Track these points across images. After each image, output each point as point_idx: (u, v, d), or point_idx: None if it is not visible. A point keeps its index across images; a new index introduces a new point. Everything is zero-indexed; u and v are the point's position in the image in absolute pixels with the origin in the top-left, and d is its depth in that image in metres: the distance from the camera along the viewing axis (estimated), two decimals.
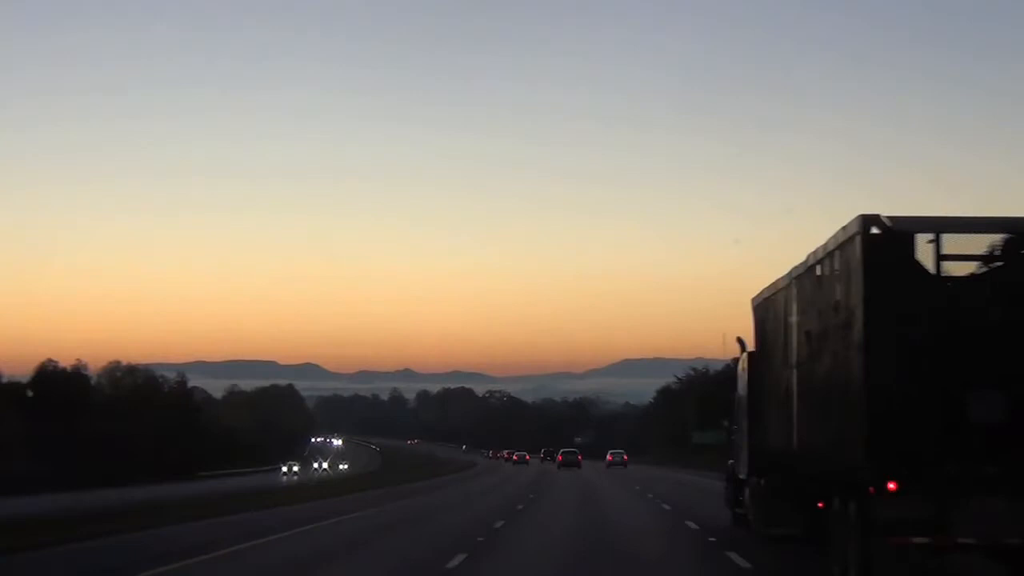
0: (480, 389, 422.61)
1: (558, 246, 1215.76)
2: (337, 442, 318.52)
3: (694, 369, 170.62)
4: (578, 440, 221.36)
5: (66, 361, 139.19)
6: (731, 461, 38.20)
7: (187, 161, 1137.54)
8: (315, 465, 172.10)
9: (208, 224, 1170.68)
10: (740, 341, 36.40)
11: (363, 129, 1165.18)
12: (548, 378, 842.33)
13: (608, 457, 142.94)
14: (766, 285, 32.04)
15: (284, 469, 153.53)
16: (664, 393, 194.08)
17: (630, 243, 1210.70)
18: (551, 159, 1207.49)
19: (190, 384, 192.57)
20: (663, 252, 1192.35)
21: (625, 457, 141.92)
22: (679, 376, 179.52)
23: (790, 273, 28.60)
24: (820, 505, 25.45)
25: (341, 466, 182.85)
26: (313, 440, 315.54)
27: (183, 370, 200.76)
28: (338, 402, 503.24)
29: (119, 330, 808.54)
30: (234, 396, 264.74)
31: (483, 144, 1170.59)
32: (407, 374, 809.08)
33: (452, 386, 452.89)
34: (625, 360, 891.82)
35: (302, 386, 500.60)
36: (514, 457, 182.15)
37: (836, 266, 22.87)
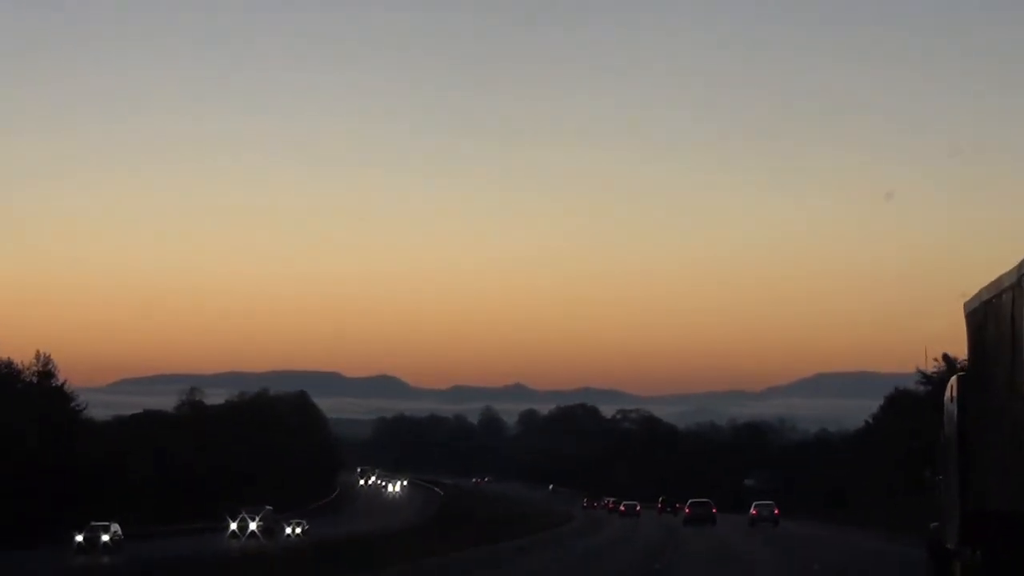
0: (610, 410, 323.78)
1: (720, 228, 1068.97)
2: (388, 485, 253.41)
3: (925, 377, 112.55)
4: (749, 483, 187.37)
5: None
6: (934, 524, 30.19)
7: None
8: (287, 526, 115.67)
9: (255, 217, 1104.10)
10: (948, 359, 28.60)
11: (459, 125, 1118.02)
12: (711, 398, 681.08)
13: (752, 511, 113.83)
14: (987, 284, 24.47)
15: (234, 526, 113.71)
16: (889, 410, 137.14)
17: (820, 227, 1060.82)
18: (716, 146, 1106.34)
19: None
20: (868, 239, 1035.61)
21: (776, 511, 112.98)
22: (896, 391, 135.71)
23: (1020, 267, 22.31)
24: None
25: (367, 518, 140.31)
26: (359, 477, 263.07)
27: (211, 383, 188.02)
28: (404, 426, 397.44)
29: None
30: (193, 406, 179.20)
31: (618, 145, 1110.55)
32: (518, 391, 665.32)
33: (573, 405, 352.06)
34: (819, 375, 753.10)
35: (372, 405, 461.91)
36: (621, 508, 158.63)
37: None
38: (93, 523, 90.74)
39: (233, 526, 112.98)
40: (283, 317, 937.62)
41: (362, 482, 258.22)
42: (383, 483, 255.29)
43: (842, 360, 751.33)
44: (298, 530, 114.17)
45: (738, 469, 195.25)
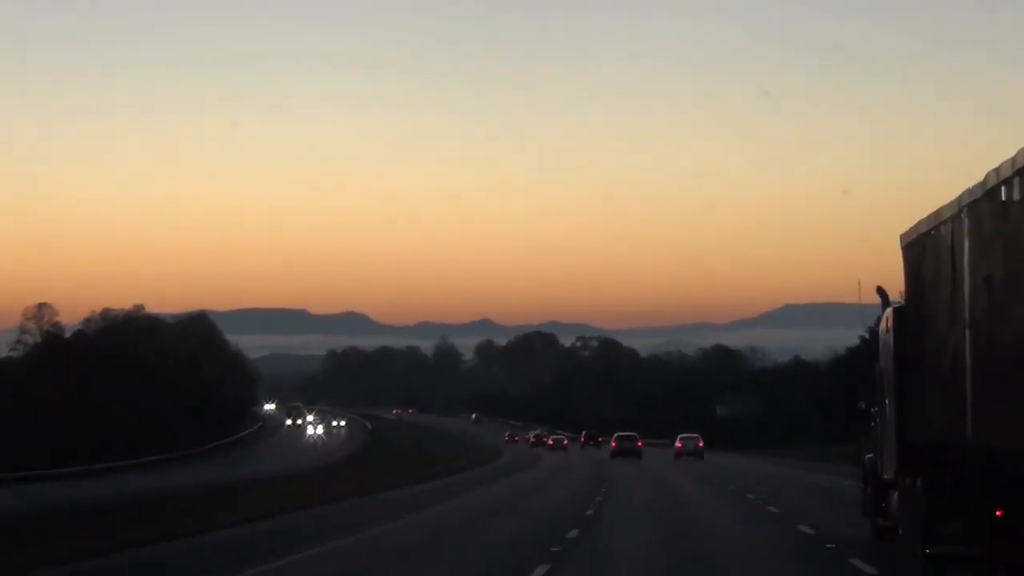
0: (571, 340, 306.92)
1: (685, 162, 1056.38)
2: (312, 426, 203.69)
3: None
4: (721, 411, 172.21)
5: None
6: (869, 456, 30.32)
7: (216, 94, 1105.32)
8: None
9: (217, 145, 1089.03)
10: (882, 292, 28.57)
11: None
12: (678, 331, 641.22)
13: (677, 444, 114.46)
14: (924, 216, 24.62)
15: None
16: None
17: (787, 158, 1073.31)
18: (683, 83, 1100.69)
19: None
20: (834, 169, 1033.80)
21: (701, 444, 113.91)
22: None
23: (959, 200, 22.50)
24: (999, 513, 21.26)
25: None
26: (287, 415, 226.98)
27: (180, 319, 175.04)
28: (355, 359, 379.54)
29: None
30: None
31: (576, 69, 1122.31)
32: (485, 326, 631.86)
33: (531, 334, 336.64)
34: (786, 306, 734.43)
35: (339, 342, 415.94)
36: (549, 442, 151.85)
37: None
38: None
39: None
40: (248, 254, 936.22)
41: (289, 422, 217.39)
42: (313, 422, 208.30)
43: (809, 291, 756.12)
44: None
45: (707, 397, 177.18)
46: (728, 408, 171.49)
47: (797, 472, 77.32)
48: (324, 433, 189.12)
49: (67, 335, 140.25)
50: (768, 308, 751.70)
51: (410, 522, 37.92)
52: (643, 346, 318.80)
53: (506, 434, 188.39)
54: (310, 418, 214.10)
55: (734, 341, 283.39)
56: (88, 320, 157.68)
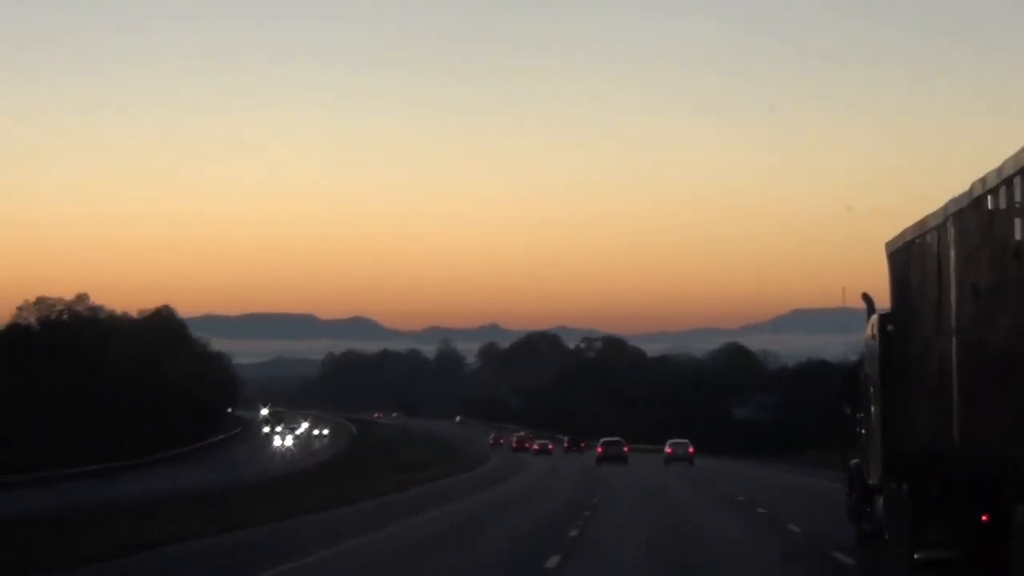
0: (576, 343, 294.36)
1: (695, 166, 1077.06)
2: (279, 437, 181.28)
3: None
4: (739, 413, 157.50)
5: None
6: (854, 461, 30.66)
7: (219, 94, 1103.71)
8: None
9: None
10: (867, 299, 28.85)
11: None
12: (687, 336, 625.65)
13: (667, 449, 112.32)
14: (910, 225, 25.09)
15: None
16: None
17: (798, 167, 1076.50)
18: (680, 87, 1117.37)
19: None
20: (843, 176, 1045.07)
21: (691, 450, 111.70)
22: None
23: (946, 208, 22.68)
24: (985, 518, 21.36)
25: None
26: (264, 422, 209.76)
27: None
28: (353, 363, 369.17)
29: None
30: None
31: (590, 89, 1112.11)
32: (492, 331, 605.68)
33: (535, 336, 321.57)
34: (795, 311, 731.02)
35: (347, 346, 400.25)
36: (534, 447, 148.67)
37: (1017, 197, 18.80)
38: None
39: None
40: (258, 259, 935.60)
41: (267, 429, 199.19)
42: (282, 431, 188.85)
43: (819, 297, 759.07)
44: None
45: (720, 398, 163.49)
46: (752, 409, 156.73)
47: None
48: (295, 443, 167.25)
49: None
50: (777, 313, 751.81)
51: (352, 548, 31.81)
52: (650, 349, 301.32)
53: (491, 437, 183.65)
54: (278, 428, 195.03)
55: (745, 345, 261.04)
56: (21, 309, 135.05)
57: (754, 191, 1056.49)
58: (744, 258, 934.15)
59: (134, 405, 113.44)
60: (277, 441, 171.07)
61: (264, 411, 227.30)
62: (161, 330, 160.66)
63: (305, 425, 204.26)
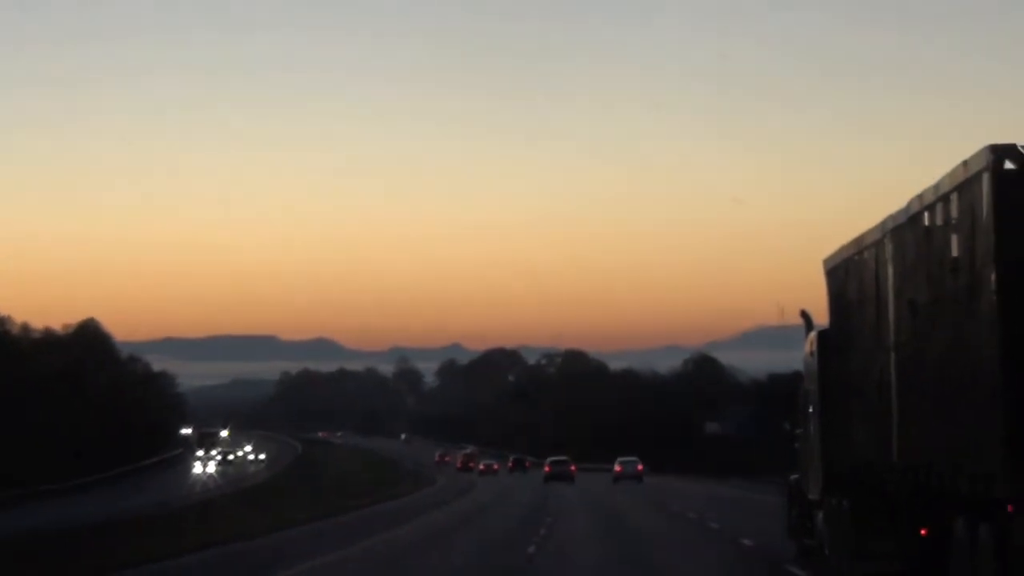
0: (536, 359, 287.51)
1: (651, 187, 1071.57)
2: (201, 463, 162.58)
3: None
4: (711, 427, 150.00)
5: None
6: (794, 476, 30.74)
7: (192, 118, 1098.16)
8: None
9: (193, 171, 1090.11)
10: (805, 315, 29.03)
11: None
12: (650, 354, 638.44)
13: (616, 468, 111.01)
14: (846, 242, 25.16)
15: None
16: None
17: (757, 182, 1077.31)
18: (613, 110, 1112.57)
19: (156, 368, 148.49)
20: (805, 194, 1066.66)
21: (640, 468, 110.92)
22: None
23: (883, 225, 22.90)
24: (924, 532, 21.62)
25: None
26: (197, 443, 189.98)
27: (143, 350, 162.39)
28: (307, 382, 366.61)
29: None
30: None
31: (554, 103, 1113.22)
32: (455, 351, 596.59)
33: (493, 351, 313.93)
34: (760, 327, 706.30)
35: (309, 366, 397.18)
36: (480, 467, 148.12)
37: (954, 213, 18.78)
38: None
39: None
40: (220, 282, 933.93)
41: (201, 452, 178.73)
42: (203, 457, 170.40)
43: (784, 313, 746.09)
44: None
45: (691, 413, 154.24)
46: (730, 425, 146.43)
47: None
48: (223, 468, 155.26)
49: None
50: (742, 330, 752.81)
51: None
52: (614, 365, 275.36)
53: (436, 454, 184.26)
54: (212, 451, 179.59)
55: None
56: None
57: (716, 208, 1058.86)
58: (708, 275, 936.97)
59: (46, 424, 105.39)
60: (198, 468, 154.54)
61: (185, 431, 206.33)
62: (85, 345, 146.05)
63: (248, 448, 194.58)
